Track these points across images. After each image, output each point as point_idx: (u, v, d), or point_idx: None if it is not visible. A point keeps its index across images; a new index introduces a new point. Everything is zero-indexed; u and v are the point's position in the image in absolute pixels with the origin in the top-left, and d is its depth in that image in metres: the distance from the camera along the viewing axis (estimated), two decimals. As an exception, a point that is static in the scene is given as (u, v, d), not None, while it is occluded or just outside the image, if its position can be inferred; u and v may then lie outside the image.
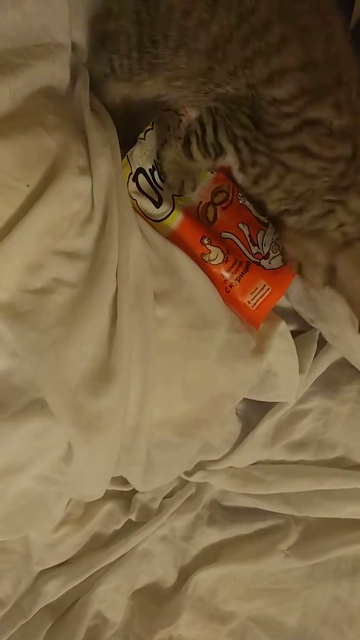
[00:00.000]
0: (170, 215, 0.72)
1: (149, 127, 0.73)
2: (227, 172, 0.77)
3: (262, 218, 0.78)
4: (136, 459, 0.73)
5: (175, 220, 0.72)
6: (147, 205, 0.72)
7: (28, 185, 0.63)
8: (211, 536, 0.94)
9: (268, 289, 0.75)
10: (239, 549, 0.92)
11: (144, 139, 0.73)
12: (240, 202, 0.77)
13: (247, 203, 0.78)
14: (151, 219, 0.72)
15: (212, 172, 0.76)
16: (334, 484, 0.90)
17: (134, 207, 0.72)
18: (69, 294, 0.62)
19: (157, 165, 0.72)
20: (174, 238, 0.72)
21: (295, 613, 0.91)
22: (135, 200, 0.72)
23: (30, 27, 0.67)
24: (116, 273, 0.65)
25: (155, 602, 0.90)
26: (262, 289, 0.75)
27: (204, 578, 0.90)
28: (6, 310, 0.61)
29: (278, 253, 0.78)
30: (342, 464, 0.93)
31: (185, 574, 0.92)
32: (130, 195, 0.71)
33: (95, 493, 0.79)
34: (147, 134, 0.73)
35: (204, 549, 0.94)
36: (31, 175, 0.63)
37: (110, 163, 0.68)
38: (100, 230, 0.65)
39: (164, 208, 0.72)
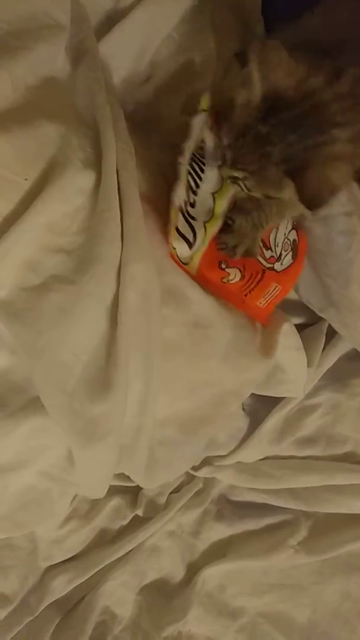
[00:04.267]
0: (196, 254, 0.69)
1: (188, 142, 0.67)
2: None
3: None
4: (138, 458, 0.72)
5: (198, 258, 0.69)
6: (182, 250, 0.68)
7: (26, 179, 0.61)
8: (219, 531, 0.93)
9: (279, 289, 0.74)
10: (248, 544, 0.92)
11: (183, 163, 0.67)
12: None
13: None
14: (182, 263, 0.69)
15: None
16: (344, 479, 0.89)
17: (173, 258, 0.68)
18: (66, 291, 0.61)
19: (188, 189, 0.68)
20: (199, 276, 0.71)
21: (306, 608, 0.90)
22: (175, 248, 0.67)
23: (29, 10, 0.64)
24: (119, 274, 0.62)
25: (164, 597, 0.90)
26: (273, 290, 0.74)
27: (212, 574, 0.90)
28: (4, 308, 0.60)
29: (289, 250, 0.76)
30: (352, 459, 0.91)
31: (193, 569, 0.91)
32: (172, 245, 0.67)
33: (96, 493, 0.78)
34: (186, 150, 0.67)
35: (212, 544, 0.93)
36: (30, 168, 0.61)
37: (119, 156, 0.65)
38: (103, 227, 0.62)
39: (196, 246, 0.68)
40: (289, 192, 0.58)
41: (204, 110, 0.68)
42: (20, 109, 0.62)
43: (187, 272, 0.70)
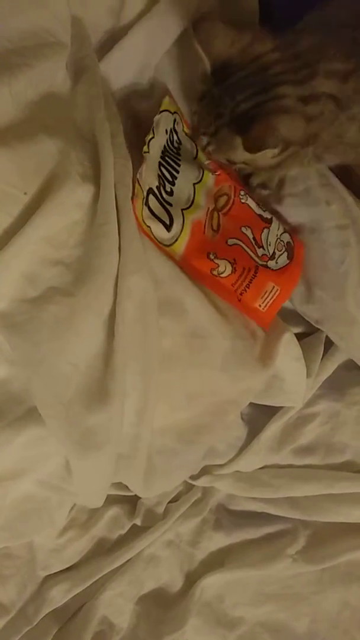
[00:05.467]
0: (179, 239, 0.69)
1: (150, 135, 0.70)
2: (228, 170, 0.76)
3: (264, 215, 0.77)
4: (136, 467, 0.72)
5: (183, 243, 0.70)
6: (159, 231, 0.68)
7: (26, 193, 0.62)
8: (218, 541, 0.93)
9: (277, 290, 0.74)
10: (247, 553, 0.91)
11: (149, 152, 0.69)
12: (242, 201, 0.76)
13: (249, 201, 0.76)
14: (163, 244, 0.70)
15: (213, 173, 0.74)
16: (343, 488, 0.89)
17: (147, 235, 0.69)
18: (64, 303, 0.61)
19: (162, 178, 0.70)
20: (183, 261, 0.71)
21: (305, 618, 0.90)
22: (150, 227, 0.68)
23: (31, 28, 0.65)
24: (116, 286, 0.63)
25: (162, 607, 0.90)
26: (271, 290, 0.74)
27: (211, 583, 0.90)
28: (3, 320, 0.61)
29: (283, 250, 0.77)
30: (350, 468, 0.91)
31: (191, 579, 0.91)
32: (145, 222, 0.68)
33: (94, 503, 0.78)
34: (150, 143, 0.70)
35: (210, 553, 0.93)
36: (30, 182, 0.62)
37: (117, 170, 0.65)
38: (101, 240, 0.63)
39: (174, 230, 0.69)
40: (241, 151, 0.62)
41: (167, 111, 0.72)
42: (20, 124, 0.63)
43: (170, 255, 0.70)
